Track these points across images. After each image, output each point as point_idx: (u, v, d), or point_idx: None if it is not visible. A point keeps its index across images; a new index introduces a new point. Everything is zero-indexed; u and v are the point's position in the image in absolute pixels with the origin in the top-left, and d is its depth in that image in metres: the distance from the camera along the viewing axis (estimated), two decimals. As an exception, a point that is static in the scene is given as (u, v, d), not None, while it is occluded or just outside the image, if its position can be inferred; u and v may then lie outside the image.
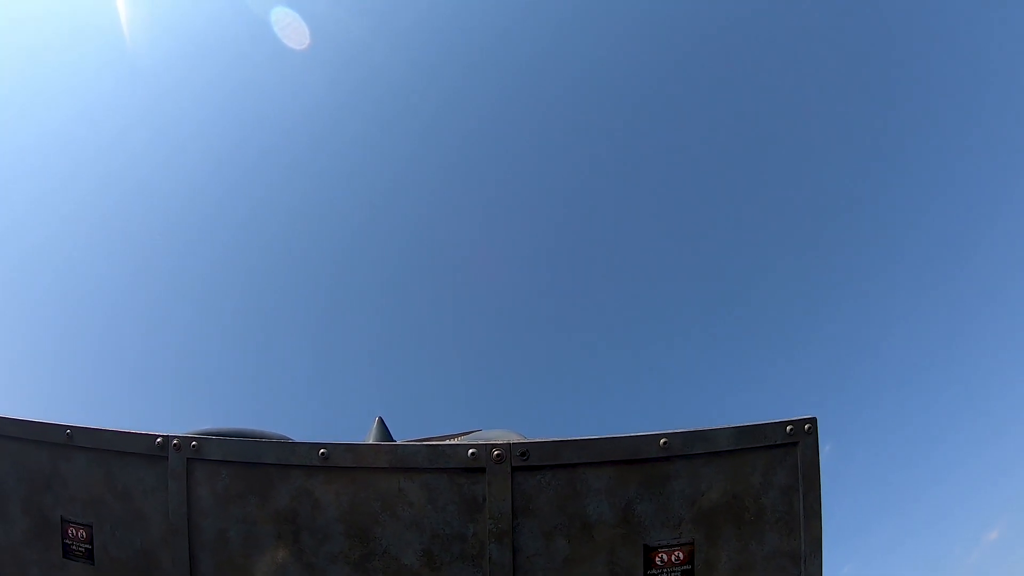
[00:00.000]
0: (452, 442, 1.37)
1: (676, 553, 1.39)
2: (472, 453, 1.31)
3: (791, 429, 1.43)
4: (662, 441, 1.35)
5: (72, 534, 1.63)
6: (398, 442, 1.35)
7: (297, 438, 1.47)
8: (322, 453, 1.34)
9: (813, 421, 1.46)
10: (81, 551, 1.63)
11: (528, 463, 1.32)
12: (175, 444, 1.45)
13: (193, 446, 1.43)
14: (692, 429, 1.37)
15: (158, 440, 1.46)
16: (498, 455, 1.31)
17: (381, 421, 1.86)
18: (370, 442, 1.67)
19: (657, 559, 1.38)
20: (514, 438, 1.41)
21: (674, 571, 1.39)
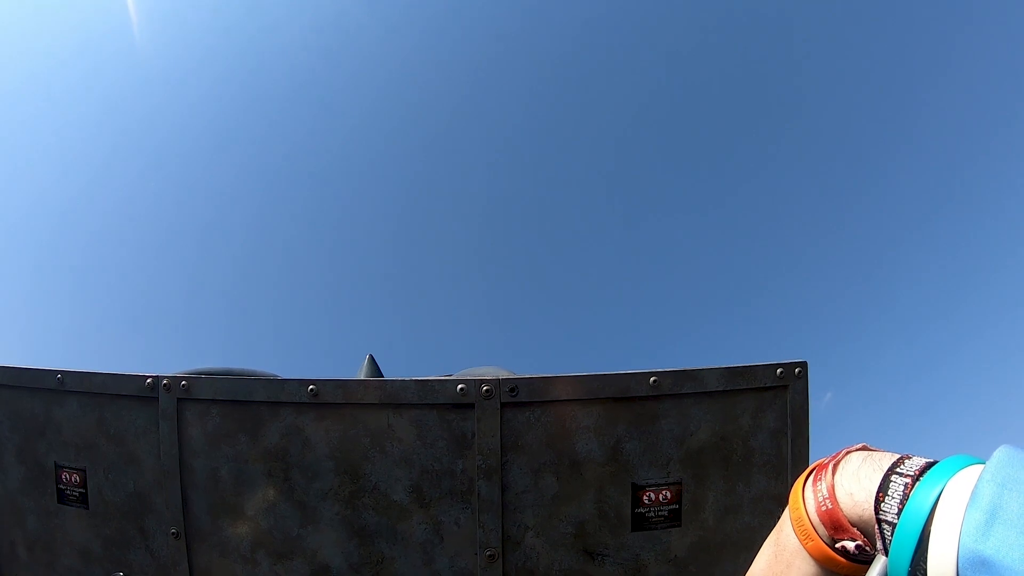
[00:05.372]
0: (440, 377, 1.36)
1: (664, 492, 1.40)
2: (461, 389, 1.31)
3: (781, 372, 1.43)
4: (652, 379, 1.35)
5: (66, 479, 1.64)
6: (387, 378, 1.34)
7: (287, 376, 1.47)
8: (311, 390, 1.34)
9: (804, 365, 1.46)
10: (75, 495, 1.64)
11: (517, 399, 1.32)
12: (165, 384, 1.44)
13: (183, 386, 1.43)
14: (682, 368, 1.37)
15: (148, 381, 1.46)
16: (487, 391, 1.31)
17: (372, 359, 1.86)
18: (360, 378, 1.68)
19: (645, 498, 1.39)
20: (503, 374, 1.40)
21: (661, 510, 1.40)
